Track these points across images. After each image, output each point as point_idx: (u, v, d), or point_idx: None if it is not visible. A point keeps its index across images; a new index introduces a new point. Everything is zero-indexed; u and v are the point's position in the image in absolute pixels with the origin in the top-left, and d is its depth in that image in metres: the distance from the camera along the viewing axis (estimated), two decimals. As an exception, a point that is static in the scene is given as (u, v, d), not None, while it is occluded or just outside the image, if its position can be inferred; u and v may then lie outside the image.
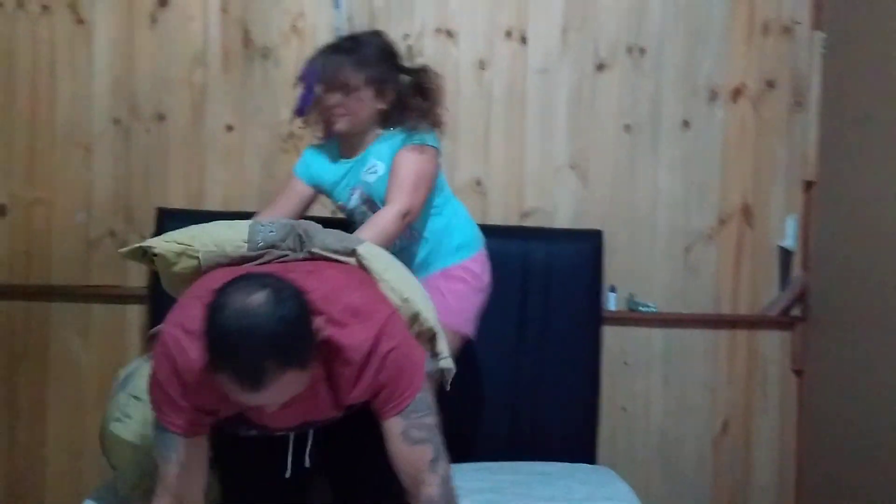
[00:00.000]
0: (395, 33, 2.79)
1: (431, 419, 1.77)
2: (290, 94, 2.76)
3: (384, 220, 2.20)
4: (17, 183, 2.74)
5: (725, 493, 2.95)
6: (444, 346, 1.93)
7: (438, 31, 2.83)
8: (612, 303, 2.88)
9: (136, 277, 2.77)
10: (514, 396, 2.71)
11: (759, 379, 2.95)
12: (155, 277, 2.65)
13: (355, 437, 1.88)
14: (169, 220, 2.67)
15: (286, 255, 1.87)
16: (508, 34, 2.85)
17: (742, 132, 2.92)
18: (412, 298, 1.88)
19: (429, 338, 1.92)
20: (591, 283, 2.78)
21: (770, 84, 2.92)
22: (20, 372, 2.76)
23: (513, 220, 2.87)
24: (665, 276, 2.92)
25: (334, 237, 1.92)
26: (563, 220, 2.88)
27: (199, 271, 1.88)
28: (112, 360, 2.76)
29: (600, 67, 2.88)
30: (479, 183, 2.86)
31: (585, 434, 2.78)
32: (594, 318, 2.79)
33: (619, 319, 2.89)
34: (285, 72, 2.78)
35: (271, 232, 1.90)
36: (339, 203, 2.41)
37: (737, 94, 2.91)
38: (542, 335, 2.73)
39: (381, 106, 2.30)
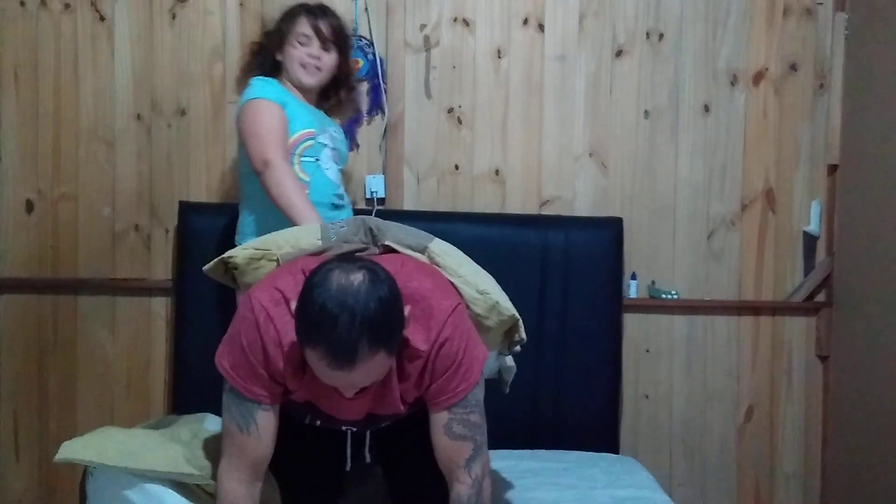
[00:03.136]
0: (411, 23, 2.82)
1: (477, 417, 1.77)
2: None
3: None
4: (43, 179, 2.79)
5: (750, 480, 2.93)
6: (523, 333, 2.00)
7: (455, 20, 2.83)
8: (633, 290, 2.87)
9: (161, 270, 2.82)
10: (535, 385, 2.71)
11: (784, 365, 2.93)
12: (179, 270, 2.72)
13: (412, 431, 1.88)
14: (191, 213, 2.71)
15: (362, 249, 1.89)
16: (525, 22, 2.84)
17: (764, 116, 2.88)
18: (489, 290, 1.90)
19: (510, 327, 1.97)
20: (611, 271, 2.77)
21: (792, 67, 2.88)
22: (50, 364, 2.82)
23: (532, 209, 2.86)
24: (687, 262, 2.90)
25: (405, 232, 1.94)
26: (582, 207, 2.87)
27: None
28: (138, 351, 2.83)
29: (619, 53, 2.86)
30: (497, 172, 2.86)
31: (608, 422, 2.78)
32: (615, 305, 2.78)
33: (641, 307, 2.88)
34: (303, 64, 2.80)
35: (342, 227, 1.94)
36: (306, 130, 2.38)
37: (758, 77, 2.88)
38: (562, 324, 2.73)
39: (335, 73, 2.50)
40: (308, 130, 2.39)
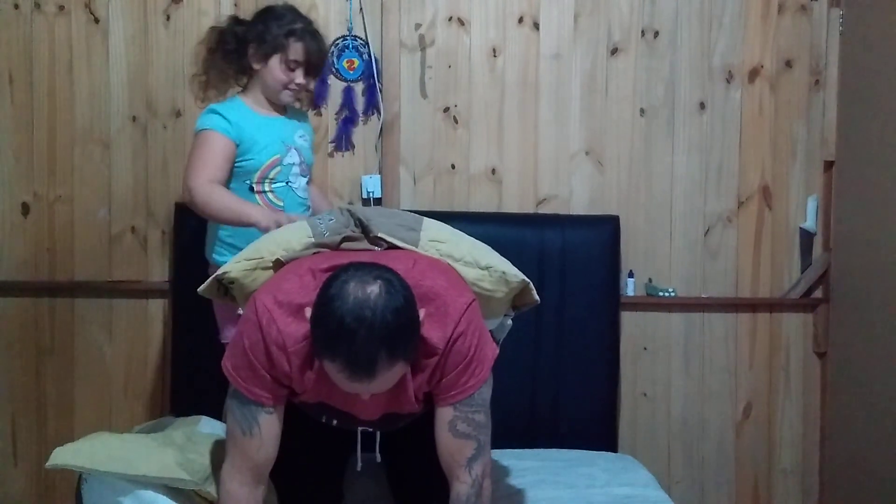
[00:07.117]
0: (406, 22, 2.81)
1: (482, 417, 1.77)
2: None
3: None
4: (39, 182, 2.78)
5: (748, 477, 2.93)
6: (536, 295, 1.99)
7: (450, 19, 2.83)
8: (630, 288, 2.87)
9: (158, 272, 2.81)
10: (533, 384, 2.71)
11: (782, 362, 2.93)
12: (176, 271, 2.71)
13: (417, 429, 1.87)
14: (187, 215, 2.70)
15: (356, 238, 1.88)
16: (520, 20, 2.84)
17: (760, 113, 2.89)
18: (492, 263, 1.90)
19: (521, 290, 1.96)
20: (608, 269, 2.77)
21: (788, 64, 2.88)
22: (47, 367, 2.81)
23: (528, 208, 2.86)
24: (684, 260, 2.90)
25: (394, 221, 1.92)
26: (579, 206, 2.87)
27: None
28: (136, 353, 2.82)
29: (614, 51, 2.86)
30: (493, 171, 2.86)
31: (606, 420, 2.77)
32: (612, 303, 2.78)
33: (638, 305, 2.88)
34: (298, 64, 2.79)
35: (331, 220, 1.92)
36: (272, 158, 2.34)
37: (754, 74, 2.88)
38: (560, 322, 2.73)
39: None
40: (273, 158, 2.35)
